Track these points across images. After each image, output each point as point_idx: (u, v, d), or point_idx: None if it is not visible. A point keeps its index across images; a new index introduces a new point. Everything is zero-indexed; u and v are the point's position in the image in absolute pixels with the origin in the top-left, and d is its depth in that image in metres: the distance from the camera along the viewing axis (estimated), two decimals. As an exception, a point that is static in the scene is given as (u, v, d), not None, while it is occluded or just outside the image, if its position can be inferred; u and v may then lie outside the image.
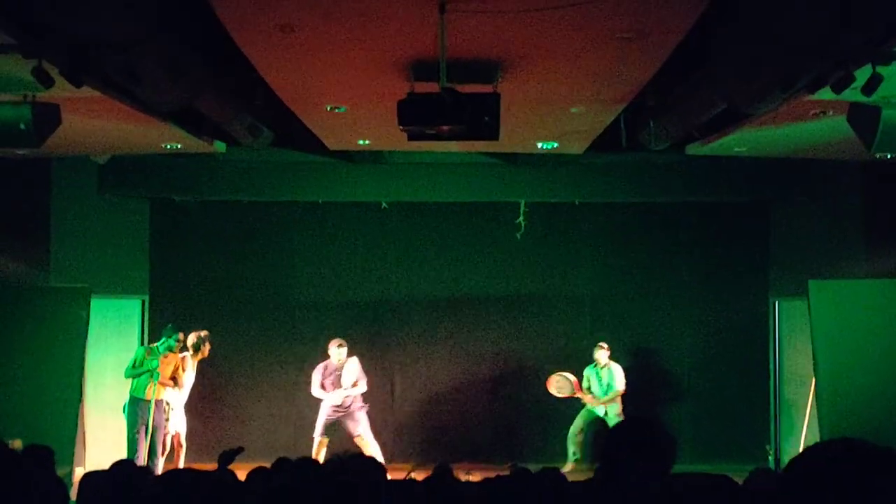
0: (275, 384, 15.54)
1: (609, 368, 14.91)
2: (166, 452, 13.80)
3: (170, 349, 13.46)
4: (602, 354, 14.92)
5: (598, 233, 16.12)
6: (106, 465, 6.27)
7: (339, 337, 14.43)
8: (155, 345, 13.69)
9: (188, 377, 13.98)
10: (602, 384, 14.88)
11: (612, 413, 14.80)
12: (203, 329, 14.10)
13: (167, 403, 13.76)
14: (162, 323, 14.25)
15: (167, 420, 13.81)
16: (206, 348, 14.11)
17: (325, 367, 14.34)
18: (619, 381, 14.89)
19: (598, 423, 14.76)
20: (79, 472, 11.91)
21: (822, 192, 14.66)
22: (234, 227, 16.06)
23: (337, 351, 14.30)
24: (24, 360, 12.88)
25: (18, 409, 12.52)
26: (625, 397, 14.94)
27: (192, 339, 13.95)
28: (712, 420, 15.62)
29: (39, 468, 6.92)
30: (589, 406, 14.94)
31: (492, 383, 15.75)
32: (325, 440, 14.24)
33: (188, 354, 13.93)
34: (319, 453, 14.02)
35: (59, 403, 12.79)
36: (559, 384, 14.92)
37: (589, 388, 14.93)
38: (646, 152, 13.20)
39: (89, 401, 14.15)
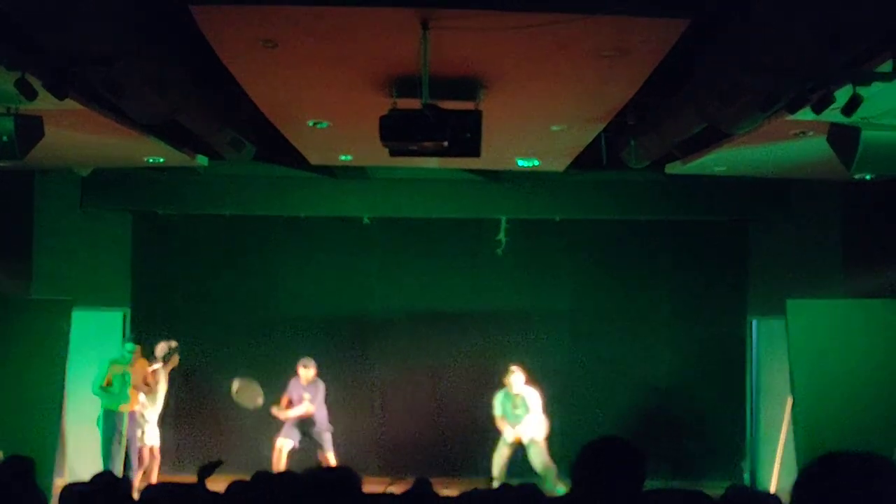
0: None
1: (522, 396, 14.09)
2: (144, 465, 13.79)
3: (122, 361, 13.48)
4: (516, 379, 14.12)
5: (578, 250, 16.18)
6: (86, 477, 6.29)
7: (308, 356, 14.65)
8: (114, 357, 13.73)
9: (161, 389, 13.96)
10: (514, 411, 14.10)
11: (538, 439, 14.06)
12: (172, 340, 14.11)
13: (142, 416, 13.76)
14: (143, 336, 14.25)
15: (143, 433, 13.82)
16: (175, 358, 14.12)
17: (293, 385, 14.63)
18: (536, 406, 14.05)
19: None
20: (59, 484, 11.91)
21: (801, 211, 14.77)
22: (216, 241, 16.10)
23: (303, 371, 14.55)
24: (5, 371, 12.85)
25: (-1, 421, 12.52)
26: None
27: (161, 349, 13.95)
28: (689, 437, 15.65)
29: (20, 479, 6.93)
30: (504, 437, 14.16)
31: (471, 398, 15.74)
32: (286, 444, 14.43)
33: (159, 367, 13.93)
34: (280, 459, 14.24)
35: (40, 415, 12.74)
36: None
37: (503, 417, 14.19)
38: (626, 171, 13.24)
39: (70, 412, 14.12)
